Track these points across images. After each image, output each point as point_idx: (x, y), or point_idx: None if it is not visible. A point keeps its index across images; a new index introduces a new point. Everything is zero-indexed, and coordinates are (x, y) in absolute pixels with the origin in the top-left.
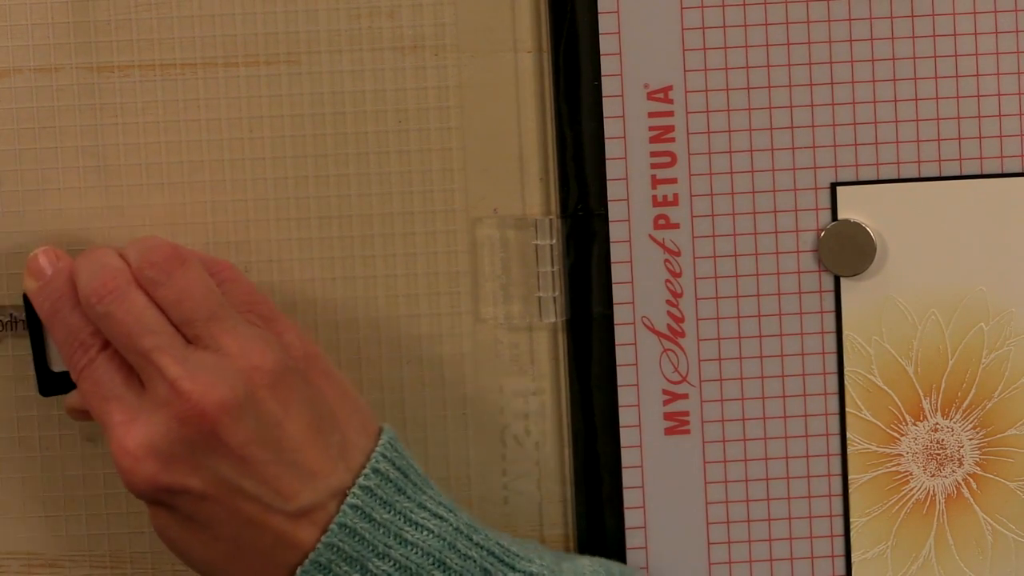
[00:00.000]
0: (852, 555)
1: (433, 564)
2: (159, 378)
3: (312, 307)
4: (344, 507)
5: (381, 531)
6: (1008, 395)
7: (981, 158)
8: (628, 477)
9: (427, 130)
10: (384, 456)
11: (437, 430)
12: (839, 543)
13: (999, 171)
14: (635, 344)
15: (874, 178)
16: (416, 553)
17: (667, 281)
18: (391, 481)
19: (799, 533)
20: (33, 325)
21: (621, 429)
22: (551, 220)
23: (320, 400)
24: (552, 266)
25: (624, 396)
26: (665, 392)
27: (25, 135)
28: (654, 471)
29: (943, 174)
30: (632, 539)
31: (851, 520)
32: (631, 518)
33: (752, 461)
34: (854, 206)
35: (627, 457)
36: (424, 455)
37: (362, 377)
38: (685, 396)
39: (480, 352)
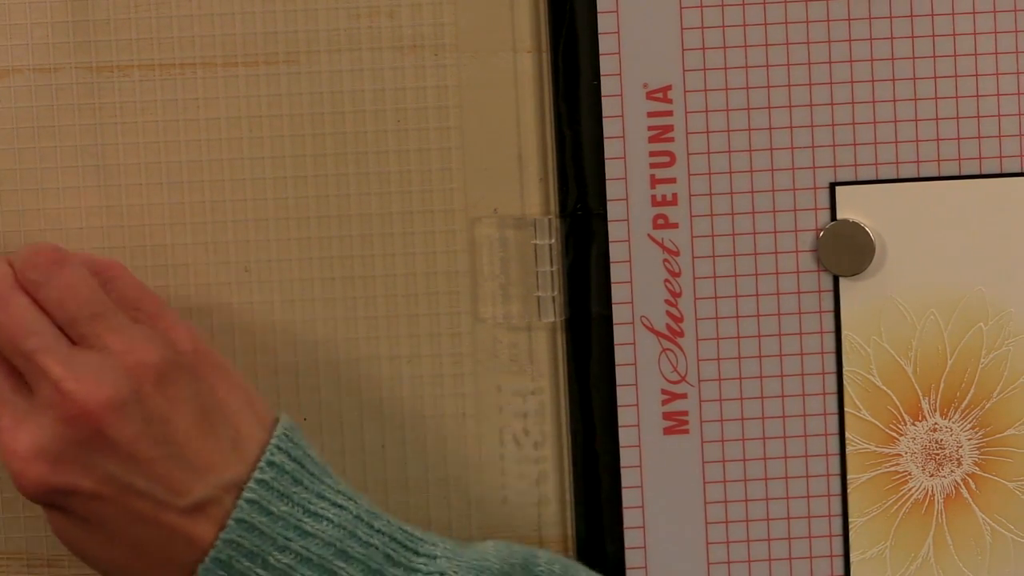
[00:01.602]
0: (851, 555)
1: (334, 554)
2: (44, 380)
3: (311, 306)
4: (240, 502)
5: (280, 524)
6: (1007, 395)
7: (980, 158)
8: (627, 477)
9: (426, 130)
10: (279, 448)
11: (436, 430)
12: (838, 543)
13: (998, 171)
14: (634, 344)
15: (873, 178)
16: (317, 544)
17: (666, 281)
18: (287, 472)
19: (798, 533)
20: None
21: (620, 429)
22: (550, 220)
23: (210, 394)
24: (551, 266)
25: (623, 396)
26: (664, 392)
27: (24, 135)
28: (653, 471)
29: (942, 174)
30: (631, 539)
31: (850, 520)
32: (630, 518)
33: (751, 461)
34: (853, 206)
35: (626, 457)
36: (423, 454)
37: (360, 375)
38: (684, 396)
39: (479, 352)
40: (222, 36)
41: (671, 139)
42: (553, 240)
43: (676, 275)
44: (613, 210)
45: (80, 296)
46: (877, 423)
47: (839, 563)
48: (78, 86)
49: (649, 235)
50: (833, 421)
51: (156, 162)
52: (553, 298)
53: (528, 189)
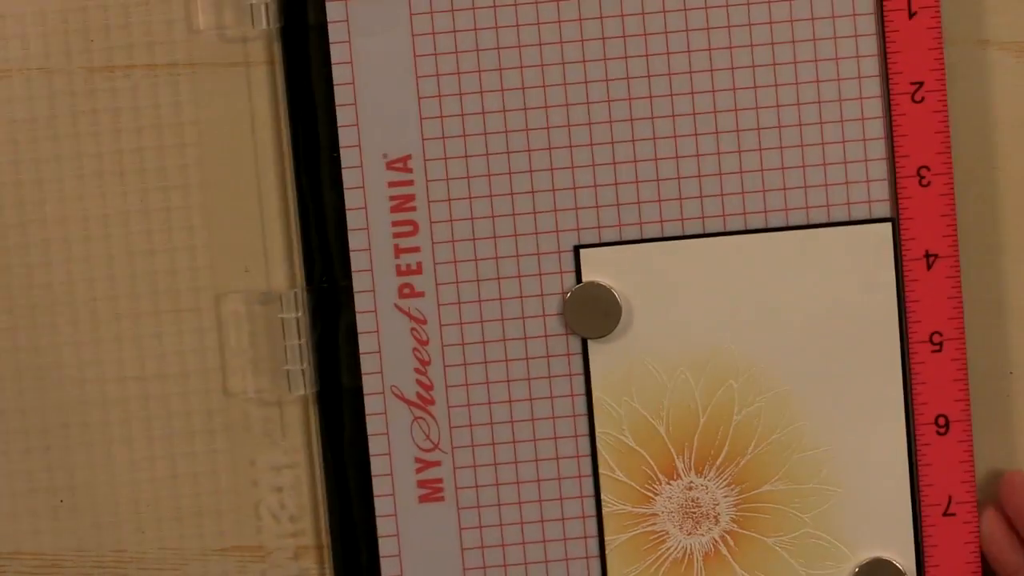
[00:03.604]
0: None
1: None
2: None
3: (58, 387)
4: None
5: None
6: (761, 451)
7: (724, 215)
8: (384, 546)
9: (168, 209)
10: None
11: (191, 506)
12: None
13: (743, 228)
14: (385, 414)
15: (617, 239)
16: None
17: (415, 350)
18: None
19: None
20: None
21: (375, 499)
22: (296, 293)
23: None
24: (299, 339)
25: (376, 465)
26: (417, 460)
27: (23, 134)
28: (410, 539)
29: (686, 233)
30: None
31: None
32: None
33: (508, 526)
34: (598, 268)
35: (382, 526)
36: (180, 531)
37: (115, 457)
38: (438, 463)
39: (231, 427)
40: None
41: (413, 208)
42: (300, 313)
43: (424, 343)
44: (358, 281)
45: None
46: (632, 484)
47: None
48: (78, 86)
49: (395, 304)
50: (588, 483)
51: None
52: (303, 371)
53: (273, 263)
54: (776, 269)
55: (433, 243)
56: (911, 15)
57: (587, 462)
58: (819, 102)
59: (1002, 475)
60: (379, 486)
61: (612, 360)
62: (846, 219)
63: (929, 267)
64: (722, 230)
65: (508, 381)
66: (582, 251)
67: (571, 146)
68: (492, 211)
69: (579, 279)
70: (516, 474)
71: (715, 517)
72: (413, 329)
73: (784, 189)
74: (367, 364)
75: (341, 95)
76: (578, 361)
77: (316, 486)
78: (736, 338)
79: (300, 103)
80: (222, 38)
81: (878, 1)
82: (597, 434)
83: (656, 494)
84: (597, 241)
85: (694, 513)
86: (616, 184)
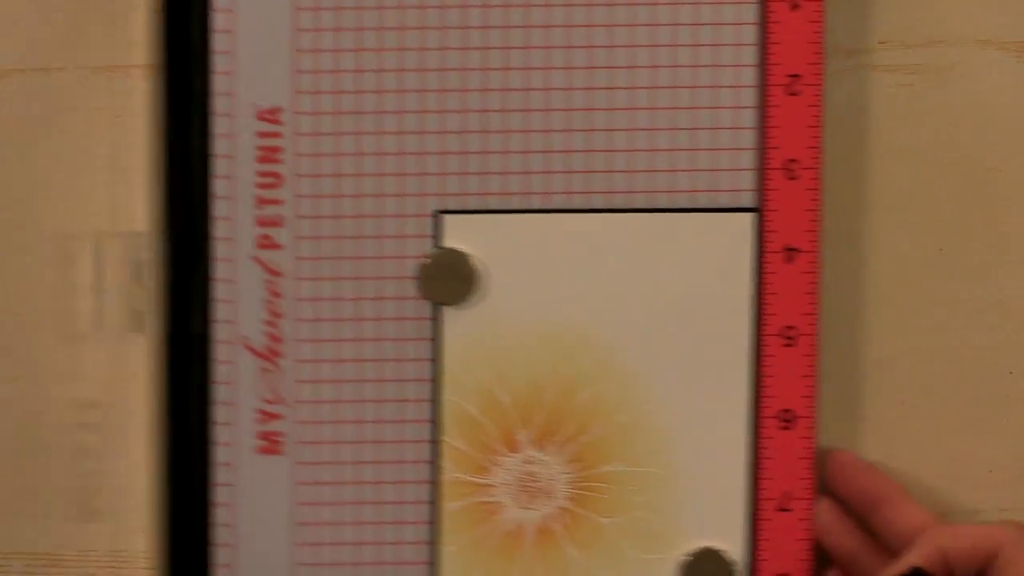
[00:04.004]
0: None
1: None
2: None
3: None
4: None
5: None
6: (603, 431)
7: (589, 192)
8: (219, 494)
9: (32, 141)
10: None
11: (36, 448)
12: (425, 571)
13: (606, 206)
14: (232, 363)
15: (481, 208)
16: None
17: (268, 301)
18: None
19: (388, 558)
20: None
21: (213, 446)
22: (153, 235)
23: None
24: (152, 281)
25: (219, 414)
26: (260, 411)
27: (23, 135)
28: (245, 489)
29: (552, 206)
30: (221, 556)
31: (440, 548)
32: (221, 535)
33: (344, 485)
34: (459, 235)
35: (218, 475)
36: (17, 475)
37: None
38: (280, 416)
39: (75, 367)
40: None
41: (279, 160)
42: (155, 256)
43: (278, 296)
44: (218, 228)
45: None
46: (471, 453)
47: None
48: (79, 86)
49: (252, 256)
50: (427, 449)
51: None
52: (153, 314)
53: (132, 203)
54: (635, 251)
55: (296, 197)
56: (794, 7)
57: (429, 428)
58: (694, 87)
59: (828, 455)
60: (219, 434)
61: (465, 328)
62: (709, 206)
63: (788, 260)
64: (586, 207)
65: (358, 340)
66: (444, 216)
67: (443, 111)
68: (358, 169)
69: (439, 245)
70: (358, 433)
71: (551, 493)
72: (268, 281)
73: (651, 171)
74: (219, 312)
75: (220, 42)
76: (430, 327)
77: (155, 430)
78: (590, 316)
79: (176, 45)
80: None
81: None
82: (442, 401)
83: (495, 465)
84: (461, 208)
85: (530, 488)
86: (485, 153)
